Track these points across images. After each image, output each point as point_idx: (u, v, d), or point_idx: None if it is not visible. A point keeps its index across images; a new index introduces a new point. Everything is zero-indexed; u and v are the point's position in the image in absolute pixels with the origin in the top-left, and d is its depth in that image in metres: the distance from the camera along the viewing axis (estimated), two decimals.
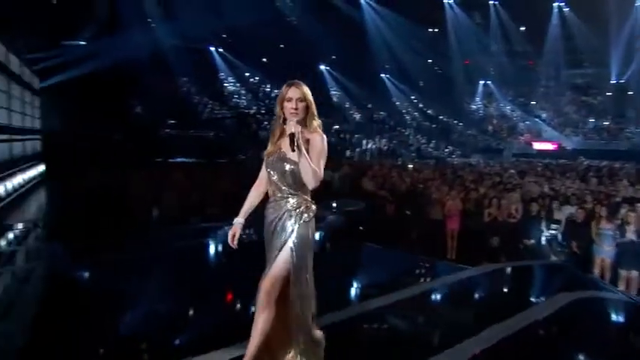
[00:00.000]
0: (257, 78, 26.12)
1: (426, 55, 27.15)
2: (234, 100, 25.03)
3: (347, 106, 26.34)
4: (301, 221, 2.41)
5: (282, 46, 24.87)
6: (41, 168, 13.02)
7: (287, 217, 2.41)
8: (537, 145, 24.49)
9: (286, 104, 2.44)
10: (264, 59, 25.59)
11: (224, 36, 24.90)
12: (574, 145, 23.87)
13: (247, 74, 26.10)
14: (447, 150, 24.44)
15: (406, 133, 24.86)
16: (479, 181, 11.15)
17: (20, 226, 7.65)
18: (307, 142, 2.39)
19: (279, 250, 2.40)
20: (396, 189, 10.73)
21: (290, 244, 2.39)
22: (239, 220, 2.53)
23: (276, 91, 25.47)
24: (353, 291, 4.57)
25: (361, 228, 8.84)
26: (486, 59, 28.14)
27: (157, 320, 3.64)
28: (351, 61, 24.90)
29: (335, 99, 26.83)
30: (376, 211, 10.18)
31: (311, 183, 2.34)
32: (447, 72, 27.25)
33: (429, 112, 28.14)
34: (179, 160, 17.16)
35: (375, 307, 4.06)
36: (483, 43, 27.22)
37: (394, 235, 8.17)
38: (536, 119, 26.85)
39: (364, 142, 21.97)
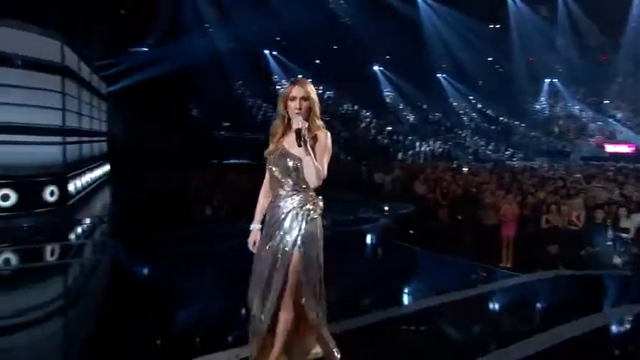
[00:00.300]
0: (309, 80, 26.50)
1: (485, 53, 26.15)
2: None
3: (401, 107, 26.00)
4: (308, 218, 2.37)
5: (335, 47, 24.94)
6: (106, 168, 14.15)
7: (293, 216, 2.37)
8: (610, 148, 22.78)
9: (290, 103, 2.42)
10: (317, 61, 25.85)
11: (278, 38, 25.47)
12: None
13: (300, 76, 26.56)
14: (507, 152, 23.43)
15: (463, 135, 24.13)
16: (539, 185, 10.67)
17: (88, 221, 8.42)
18: (313, 139, 2.37)
19: (289, 250, 2.34)
20: (449, 192, 10.54)
21: (298, 242, 2.34)
22: (256, 226, 2.51)
23: (328, 92, 25.71)
24: (400, 293, 4.63)
25: (412, 232, 8.84)
26: (553, 56, 26.55)
27: (206, 312, 3.93)
28: (405, 60, 24.43)
29: (388, 100, 26.58)
30: (427, 215, 10.14)
31: (313, 181, 2.32)
32: (509, 70, 26.03)
33: (488, 112, 27.11)
34: (233, 161, 17.88)
35: (419, 309, 4.14)
36: (549, 38, 25.77)
37: (446, 240, 8.08)
38: (610, 119, 24.99)
39: (418, 144, 21.58)
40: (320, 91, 26.21)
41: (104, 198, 11.91)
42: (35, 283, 5.11)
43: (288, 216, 2.38)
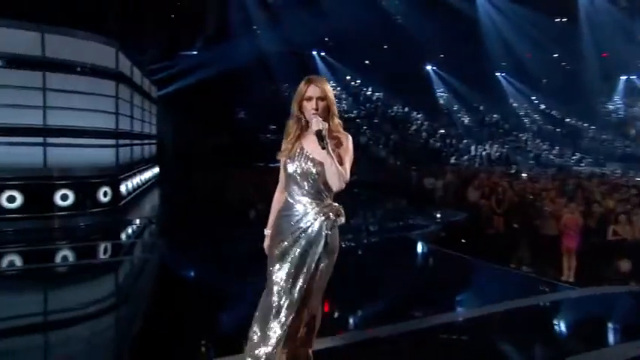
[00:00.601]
0: (358, 81, 26.67)
1: (550, 50, 25.13)
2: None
3: (455, 108, 25.52)
4: (333, 228, 2.30)
5: (385, 47, 24.96)
6: (155, 170, 15.03)
7: (318, 225, 2.28)
8: None
9: (305, 103, 2.34)
10: (367, 61, 25.92)
11: (326, 39, 25.85)
12: None
13: (348, 77, 26.76)
14: (574, 157, 22.33)
15: (523, 138, 23.30)
16: (609, 193, 10.18)
17: (138, 222, 9.06)
18: (334, 140, 2.31)
19: (314, 262, 2.28)
20: (504, 199, 10.30)
21: (323, 254, 2.29)
22: (268, 232, 2.44)
23: (377, 94, 25.72)
24: (448, 304, 4.66)
25: (463, 240, 8.75)
26: (631, 50, 24.95)
27: (250, 313, 4.18)
28: (461, 59, 23.85)
29: (441, 101, 26.18)
30: (481, 223, 9.96)
31: (336, 185, 2.25)
32: (577, 67, 24.75)
33: (552, 113, 25.98)
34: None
35: (467, 318, 4.18)
36: (628, 31, 24.22)
37: (500, 250, 7.93)
38: None
39: (473, 147, 21.09)
40: (369, 93, 26.42)
41: (153, 199, 12.70)
42: (90, 279, 5.62)
43: (312, 224, 2.29)
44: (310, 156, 2.32)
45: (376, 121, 23.63)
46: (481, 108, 25.45)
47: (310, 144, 2.33)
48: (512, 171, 16.60)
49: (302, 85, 2.36)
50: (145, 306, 4.75)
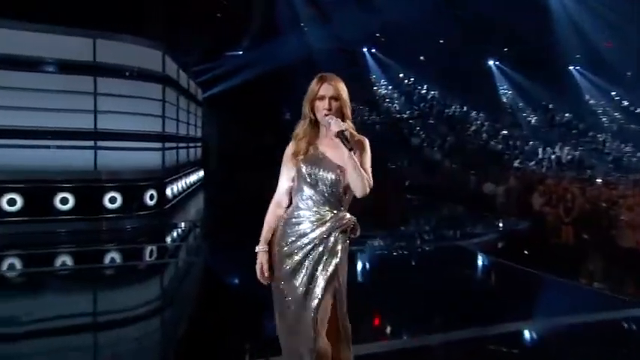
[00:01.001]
0: (412, 79, 26.59)
1: (636, 39, 23.87)
2: (385, 104, 25.93)
3: (520, 106, 24.81)
4: (347, 241, 2.28)
5: (441, 40, 24.67)
6: (201, 173, 15.78)
7: (335, 237, 2.23)
8: None
9: (318, 103, 2.29)
10: (422, 57, 25.79)
11: (377, 34, 25.96)
12: None
13: (401, 75, 26.75)
14: None
15: (601, 139, 22.25)
16: None
17: (183, 225, 9.61)
18: (356, 144, 2.27)
19: (324, 282, 2.20)
20: (574, 207, 10.02)
21: (337, 271, 2.22)
22: (263, 248, 2.32)
23: (432, 92, 25.50)
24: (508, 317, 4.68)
25: (526, 252, 8.61)
26: None
27: None
28: (528, 52, 23.12)
29: (505, 99, 25.54)
30: (546, 233, 9.80)
31: (360, 191, 2.19)
32: None
33: (638, 111, 24.59)
34: None
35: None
36: None
37: (568, 263, 7.73)
38: None
39: (540, 150, 20.43)
40: (423, 91, 26.25)
41: (198, 203, 13.38)
42: (137, 281, 6.11)
43: (329, 236, 2.23)
44: (330, 160, 2.25)
45: (431, 121, 23.46)
46: (551, 106, 24.55)
47: (328, 148, 2.28)
48: (586, 176, 15.94)
49: (314, 84, 2.32)
50: (191, 308, 5.13)
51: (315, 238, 2.23)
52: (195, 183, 14.11)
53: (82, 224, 8.00)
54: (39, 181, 7.81)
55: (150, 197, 8.84)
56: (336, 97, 2.29)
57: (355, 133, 2.31)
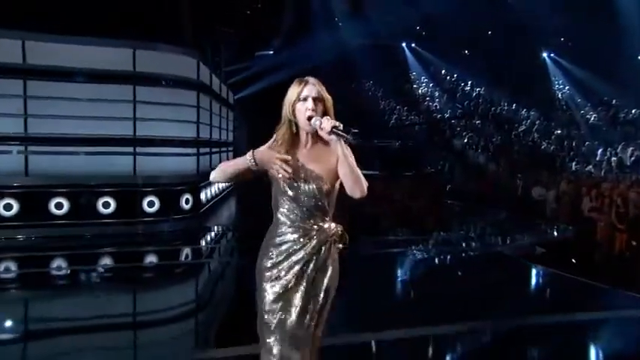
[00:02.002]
0: (455, 75, 27.09)
1: None
2: (426, 103, 26.57)
3: (578, 103, 24.88)
4: (337, 252, 2.42)
5: (489, 32, 25.00)
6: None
7: (324, 251, 2.37)
8: None
9: (299, 106, 2.35)
10: (466, 51, 26.25)
11: (418, 28, 26.58)
12: None
13: (443, 71, 27.31)
14: None
15: None
16: None
17: (216, 228, 10.78)
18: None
19: (321, 293, 2.36)
20: (628, 213, 10.47)
21: (330, 286, 2.40)
22: (250, 156, 2.40)
23: (478, 89, 25.92)
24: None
25: (574, 260, 9.20)
26: None
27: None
28: (588, 43, 22.99)
29: (560, 95, 25.68)
30: (596, 240, 10.27)
31: (358, 192, 2.30)
32: None
33: None
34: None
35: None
36: None
37: (619, 272, 8.22)
38: None
39: (600, 151, 20.53)
40: (467, 88, 26.67)
41: (230, 206, 14.59)
42: (177, 281, 7.26)
43: (322, 250, 2.37)
44: (311, 170, 2.36)
45: (476, 121, 23.90)
46: (614, 102, 24.50)
47: (307, 158, 2.39)
48: None
49: (294, 86, 2.40)
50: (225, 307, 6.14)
51: (304, 256, 2.34)
52: (227, 187, 15.34)
53: (123, 228, 9.26)
54: (83, 186, 9.15)
55: (185, 201, 10.04)
56: (320, 99, 2.37)
57: (348, 129, 2.32)
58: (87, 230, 9.06)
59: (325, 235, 2.36)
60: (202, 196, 11.12)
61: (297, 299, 2.32)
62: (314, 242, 2.34)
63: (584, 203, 12.23)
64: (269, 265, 2.38)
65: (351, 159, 2.30)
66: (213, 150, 13.24)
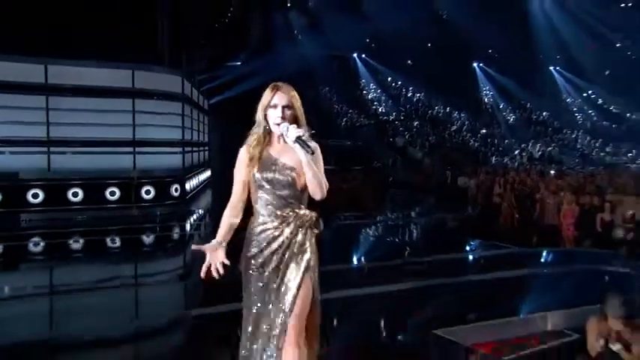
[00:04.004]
0: (399, 82, 29.08)
1: (612, 39, 25.49)
2: (374, 107, 28.60)
3: (501, 106, 27.29)
4: (314, 236, 2.47)
5: (429, 45, 26.54)
6: (208, 172, 18.91)
7: (302, 236, 2.43)
8: None
9: (270, 112, 2.40)
10: (409, 62, 28.04)
11: (367, 41, 28.10)
12: None
13: (389, 79, 29.30)
14: (629, 155, 23.53)
15: (573, 136, 24.88)
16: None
17: (198, 211, 12.76)
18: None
19: (299, 276, 2.41)
20: (515, 195, 12.97)
21: (309, 265, 2.43)
22: (219, 240, 2.43)
23: (417, 95, 28.12)
24: None
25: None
26: None
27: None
28: (511, 54, 25.01)
29: (486, 100, 28.03)
30: (501, 216, 12.74)
31: (319, 194, 2.35)
32: None
33: (611, 109, 27.09)
34: None
35: None
36: None
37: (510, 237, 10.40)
38: None
39: (515, 147, 23.04)
40: (409, 94, 28.85)
41: (207, 195, 16.48)
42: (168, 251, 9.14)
43: (296, 236, 2.43)
44: (284, 163, 2.42)
45: (416, 122, 25.96)
46: (528, 105, 26.89)
47: (280, 152, 2.45)
48: (552, 171, 18.04)
49: (267, 92, 2.43)
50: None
51: (284, 240, 2.41)
52: (205, 180, 17.28)
53: (126, 211, 11.18)
54: (94, 178, 11.06)
55: (175, 190, 12.03)
56: (289, 106, 2.40)
57: (310, 138, 2.38)
58: (97, 213, 10.94)
59: (301, 220, 2.43)
60: (187, 186, 13.11)
61: (279, 280, 2.40)
62: (292, 227, 2.41)
63: (495, 189, 14.70)
64: (253, 253, 2.44)
65: (314, 166, 2.35)
66: (194, 149, 15.19)
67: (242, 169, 2.48)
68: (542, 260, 8.32)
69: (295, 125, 2.35)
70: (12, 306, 5.66)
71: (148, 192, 11.49)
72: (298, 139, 2.29)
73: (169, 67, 12.35)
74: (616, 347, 3.87)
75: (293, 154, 2.38)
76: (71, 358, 4.39)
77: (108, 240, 9.39)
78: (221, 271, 2.36)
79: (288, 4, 25.74)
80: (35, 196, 10.54)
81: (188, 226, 11.22)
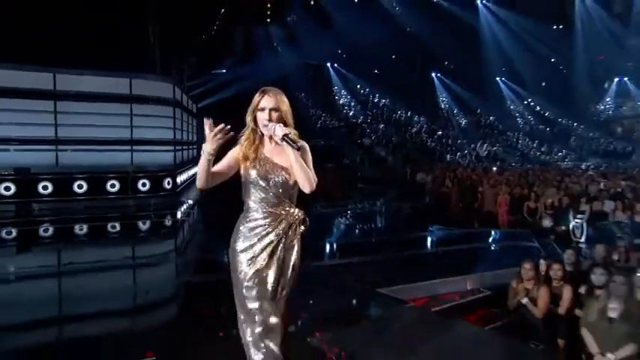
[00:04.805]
0: (367, 89, 29.83)
1: (548, 55, 26.89)
2: (344, 111, 29.25)
3: (455, 112, 28.26)
4: (300, 234, 2.41)
5: (393, 56, 27.57)
6: (196, 168, 19.26)
7: (292, 232, 2.39)
8: None
9: (259, 114, 2.35)
10: (376, 71, 28.87)
11: (339, 52, 28.95)
12: None
13: (358, 86, 30.01)
14: (560, 154, 24.75)
15: (514, 138, 25.96)
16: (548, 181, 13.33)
17: (187, 201, 13.16)
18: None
19: (289, 268, 2.38)
20: (461, 189, 13.86)
21: (296, 264, 2.40)
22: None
23: (383, 100, 28.94)
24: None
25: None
26: (624, 54, 26.75)
27: None
28: (464, 66, 26.23)
29: (443, 105, 29.03)
30: (451, 205, 13.62)
31: (308, 188, 2.28)
32: (573, 71, 26.27)
33: (546, 115, 28.34)
34: None
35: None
36: (619, 36, 25.99)
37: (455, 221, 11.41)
38: None
39: (466, 146, 23.96)
40: (376, 100, 29.64)
41: (196, 188, 16.69)
42: (161, 236, 9.60)
43: (287, 234, 2.37)
44: (277, 164, 2.36)
45: (381, 124, 26.74)
46: (478, 111, 28.00)
47: (272, 153, 2.39)
48: (494, 168, 19.10)
49: (256, 96, 2.38)
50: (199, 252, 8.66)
51: (276, 236, 2.35)
52: (193, 175, 17.65)
53: (123, 202, 11.56)
54: (97, 173, 11.41)
55: (167, 183, 12.45)
56: (276, 109, 2.34)
57: (298, 138, 2.33)
58: (99, 203, 11.30)
59: (292, 218, 2.38)
60: (178, 179, 13.51)
61: (271, 275, 2.34)
62: (283, 224, 2.36)
63: (445, 183, 15.58)
64: (243, 247, 2.37)
65: (301, 160, 2.28)
66: (185, 147, 15.59)
67: (233, 154, 2.44)
68: (478, 238, 9.17)
69: (282, 124, 2.32)
70: (25, 283, 5.86)
71: (143, 185, 11.90)
72: (285, 137, 2.25)
73: (162, 76, 12.73)
74: (524, 301, 4.64)
75: (285, 155, 2.33)
76: (80, 327, 4.43)
77: (109, 226, 9.74)
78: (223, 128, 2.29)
79: (269, 20, 26.17)
80: (45, 188, 10.85)
81: (179, 214, 11.60)
